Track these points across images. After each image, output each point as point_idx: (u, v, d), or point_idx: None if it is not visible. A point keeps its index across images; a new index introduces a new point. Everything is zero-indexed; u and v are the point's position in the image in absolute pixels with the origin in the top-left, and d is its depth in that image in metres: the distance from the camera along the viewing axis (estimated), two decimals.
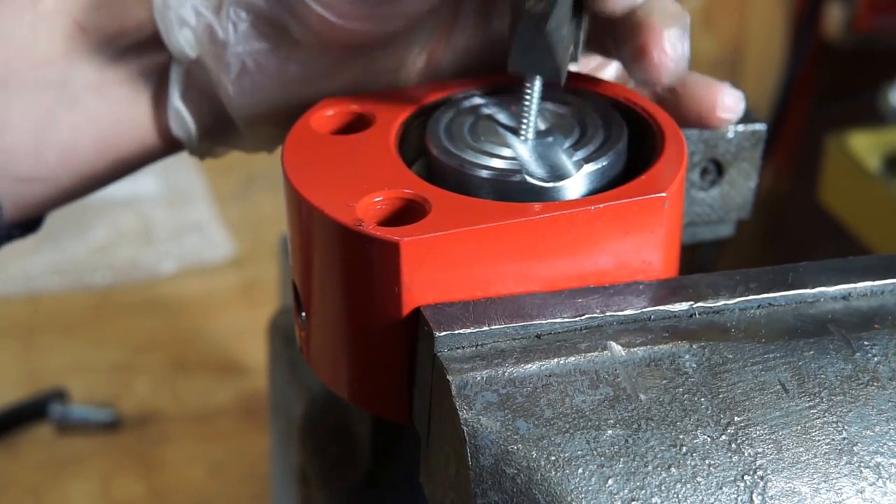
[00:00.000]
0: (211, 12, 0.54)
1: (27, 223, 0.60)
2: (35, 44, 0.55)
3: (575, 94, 0.54)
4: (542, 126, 0.52)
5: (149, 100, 0.58)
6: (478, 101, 0.54)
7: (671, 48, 0.49)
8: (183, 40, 0.54)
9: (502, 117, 0.53)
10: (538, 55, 0.49)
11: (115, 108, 0.57)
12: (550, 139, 0.51)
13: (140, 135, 0.58)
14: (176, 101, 0.57)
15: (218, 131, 0.59)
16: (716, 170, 0.58)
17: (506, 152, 0.50)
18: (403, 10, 0.53)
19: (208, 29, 0.54)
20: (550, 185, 0.49)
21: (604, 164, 0.50)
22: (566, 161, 0.50)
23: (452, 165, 0.50)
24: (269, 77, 0.55)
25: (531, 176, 0.49)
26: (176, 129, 0.58)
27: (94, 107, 0.57)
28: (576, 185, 0.49)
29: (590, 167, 0.49)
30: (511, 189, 0.49)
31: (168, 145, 0.59)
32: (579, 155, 0.50)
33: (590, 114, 0.53)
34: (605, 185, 0.50)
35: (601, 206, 0.47)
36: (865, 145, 1.18)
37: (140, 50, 0.56)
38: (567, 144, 0.51)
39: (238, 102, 0.56)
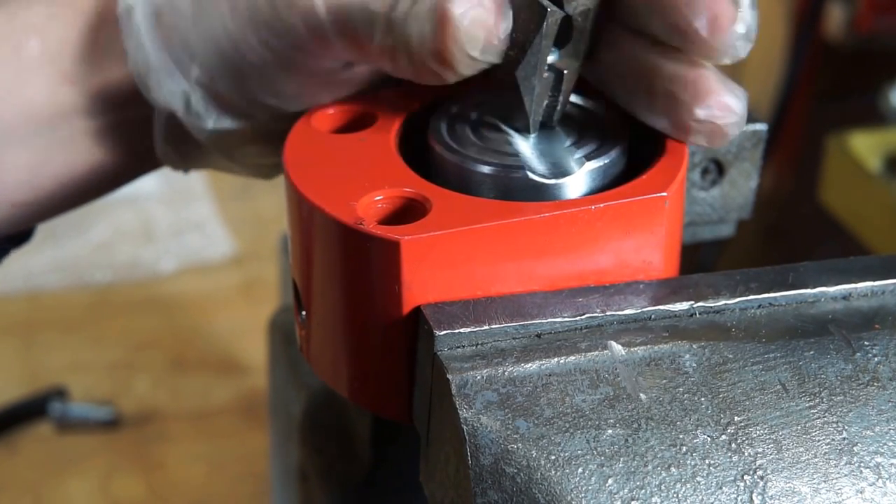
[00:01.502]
0: (189, 87, 0.55)
1: (17, 236, 0.61)
2: (21, 93, 0.56)
3: (577, 93, 0.54)
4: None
5: (141, 136, 0.58)
6: (479, 98, 0.54)
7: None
8: (168, 95, 0.55)
9: (504, 115, 0.53)
10: (511, 103, 0.50)
11: (110, 145, 0.58)
12: (552, 137, 0.51)
13: (137, 159, 0.59)
14: (161, 144, 0.57)
15: (207, 164, 0.60)
16: (716, 170, 0.58)
17: (508, 149, 0.50)
18: (350, 87, 0.54)
19: (185, 96, 0.55)
20: (552, 181, 0.49)
21: (605, 162, 0.50)
22: (568, 158, 0.50)
23: (454, 162, 0.50)
24: (242, 130, 0.56)
25: (533, 172, 0.49)
26: (166, 162, 0.59)
27: (88, 146, 0.57)
28: (577, 183, 0.49)
29: (591, 165, 0.49)
30: (513, 185, 0.49)
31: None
32: (581, 153, 0.50)
33: (592, 112, 0.53)
34: (606, 184, 0.50)
35: (602, 205, 0.47)
36: (866, 145, 1.18)
37: (126, 100, 0.57)
38: (569, 142, 0.51)
39: (216, 149, 0.57)
